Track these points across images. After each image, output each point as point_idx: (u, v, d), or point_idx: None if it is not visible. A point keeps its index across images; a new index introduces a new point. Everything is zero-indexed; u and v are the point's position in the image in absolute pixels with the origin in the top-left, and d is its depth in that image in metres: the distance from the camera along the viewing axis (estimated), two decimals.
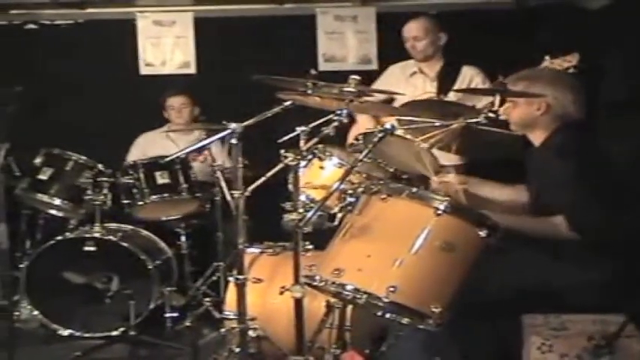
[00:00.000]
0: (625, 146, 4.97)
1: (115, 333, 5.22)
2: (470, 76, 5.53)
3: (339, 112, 3.51)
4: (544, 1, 6.36)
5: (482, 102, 4.94)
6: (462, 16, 6.52)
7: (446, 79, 5.54)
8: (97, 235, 5.33)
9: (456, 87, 5.47)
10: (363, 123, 5.40)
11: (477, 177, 4.22)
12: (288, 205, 3.59)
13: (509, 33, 6.27)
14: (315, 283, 3.31)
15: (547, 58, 4.77)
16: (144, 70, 6.82)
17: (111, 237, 5.33)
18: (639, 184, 4.26)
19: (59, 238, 5.36)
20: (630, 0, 5.41)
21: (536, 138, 3.89)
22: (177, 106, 6.13)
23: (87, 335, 5.28)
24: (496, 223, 3.23)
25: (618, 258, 3.61)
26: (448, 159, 4.71)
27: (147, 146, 6.14)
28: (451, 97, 5.41)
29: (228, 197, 4.24)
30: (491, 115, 3.78)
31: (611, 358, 3.22)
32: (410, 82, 5.60)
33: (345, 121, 3.52)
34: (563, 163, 3.72)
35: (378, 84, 5.64)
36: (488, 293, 3.51)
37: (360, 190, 3.41)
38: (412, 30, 5.53)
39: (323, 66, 6.62)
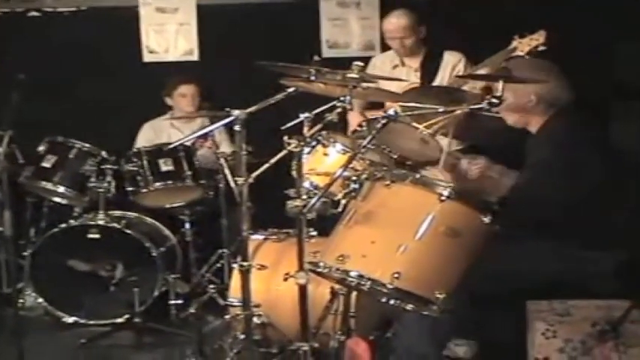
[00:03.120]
0: None
1: (119, 320, 5.23)
2: (452, 62, 5.54)
3: (342, 98, 3.51)
4: None
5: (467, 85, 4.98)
6: None
7: (429, 69, 5.56)
8: (101, 222, 5.34)
9: (439, 74, 5.51)
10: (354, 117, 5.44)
11: None
12: (291, 192, 3.58)
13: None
14: (319, 270, 3.33)
15: (516, 37, 4.82)
16: (147, 58, 6.80)
17: (115, 224, 5.35)
18: None
19: (63, 225, 5.38)
20: None
21: (532, 127, 3.88)
22: (189, 93, 6.12)
23: (92, 322, 5.30)
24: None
25: (623, 245, 3.61)
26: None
27: (153, 134, 6.14)
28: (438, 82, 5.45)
29: (232, 184, 4.25)
30: (494, 100, 3.76)
31: (616, 343, 3.22)
32: (394, 74, 5.56)
33: (349, 107, 3.52)
34: (551, 150, 3.71)
35: None
36: (496, 281, 3.51)
37: (364, 176, 3.41)
38: (398, 30, 5.52)
39: (326, 52, 6.60)
